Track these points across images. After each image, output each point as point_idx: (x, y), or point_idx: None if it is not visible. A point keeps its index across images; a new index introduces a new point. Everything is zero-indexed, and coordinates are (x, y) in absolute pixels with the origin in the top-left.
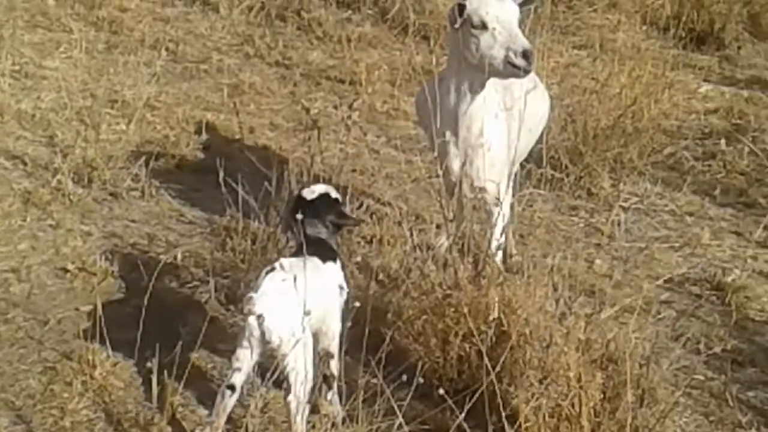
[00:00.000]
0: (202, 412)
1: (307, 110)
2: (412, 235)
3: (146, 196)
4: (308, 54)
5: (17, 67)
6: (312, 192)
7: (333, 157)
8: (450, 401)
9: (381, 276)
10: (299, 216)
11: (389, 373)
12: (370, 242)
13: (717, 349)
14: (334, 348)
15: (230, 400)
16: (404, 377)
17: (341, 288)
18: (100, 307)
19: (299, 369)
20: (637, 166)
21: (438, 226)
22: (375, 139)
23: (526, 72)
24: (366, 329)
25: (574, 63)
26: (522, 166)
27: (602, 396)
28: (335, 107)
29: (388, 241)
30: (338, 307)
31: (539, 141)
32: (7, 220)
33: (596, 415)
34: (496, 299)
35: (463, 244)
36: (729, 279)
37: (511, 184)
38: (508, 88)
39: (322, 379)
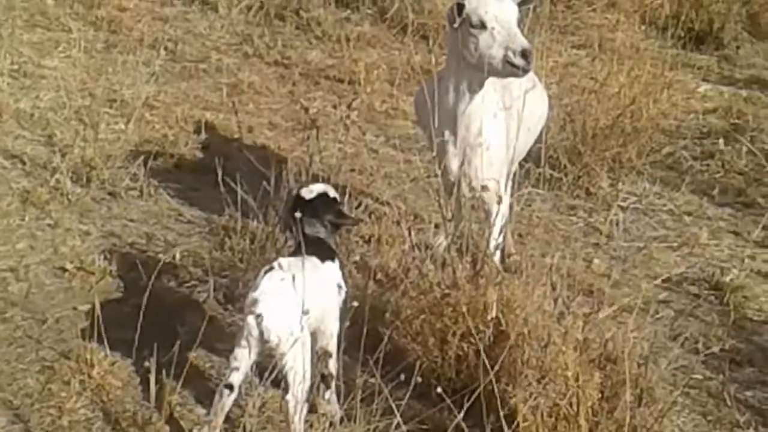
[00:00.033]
0: (200, 411)
1: (306, 110)
2: (410, 234)
3: (145, 196)
4: (307, 53)
5: (16, 67)
6: (310, 191)
7: (332, 157)
8: (448, 400)
9: (379, 275)
10: (298, 215)
11: (387, 373)
12: (369, 242)
13: (715, 349)
14: (333, 347)
15: (228, 400)
16: (402, 376)
17: (340, 287)
18: (98, 306)
19: (297, 368)
20: (635, 165)
21: (436, 226)
22: (374, 139)
23: (525, 71)
24: (364, 328)
25: (572, 62)
26: (521, 165)
27: (600, 395)
28: (334, 107)
29: (386, 240)
30: (336, 306)
31: (538, 140)
32: (6, 220)
33: (594, 415)
34: (495, 299)
35: (461, 244)
36: (727, 279)
37: (509, 183)
38: (507, 87)
39: (320, 378)
